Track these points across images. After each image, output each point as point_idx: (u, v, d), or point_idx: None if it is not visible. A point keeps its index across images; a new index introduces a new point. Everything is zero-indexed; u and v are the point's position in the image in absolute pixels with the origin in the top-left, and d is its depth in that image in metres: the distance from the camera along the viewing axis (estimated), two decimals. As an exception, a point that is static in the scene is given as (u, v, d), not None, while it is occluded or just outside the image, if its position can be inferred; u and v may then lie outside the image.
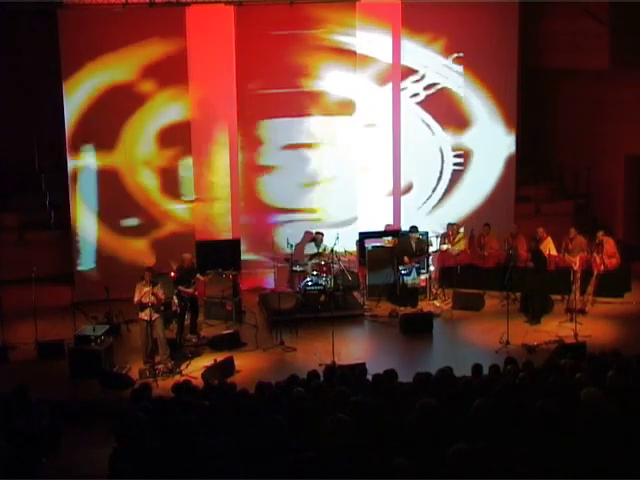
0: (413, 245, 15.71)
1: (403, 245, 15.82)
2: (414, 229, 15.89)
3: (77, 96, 15.87)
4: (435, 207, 17.23)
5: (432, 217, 17.13)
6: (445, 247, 16.11)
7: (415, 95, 16.89)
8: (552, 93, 19.16)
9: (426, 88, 16.90)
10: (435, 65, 16.83)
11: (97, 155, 16.08)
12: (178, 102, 16.17)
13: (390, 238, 16.33)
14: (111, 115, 15.98)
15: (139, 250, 16.32)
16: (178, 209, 16.51)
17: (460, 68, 16.87)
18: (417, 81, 16.85)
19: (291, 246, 15.44)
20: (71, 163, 16.01)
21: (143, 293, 12.68)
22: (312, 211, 16.76)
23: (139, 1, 15.84)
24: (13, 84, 17.35)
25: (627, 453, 6.42)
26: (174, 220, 16.50)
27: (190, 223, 16.51)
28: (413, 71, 16.81)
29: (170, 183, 16.44)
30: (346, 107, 16.67)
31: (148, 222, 16.41)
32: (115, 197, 16.26)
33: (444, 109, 17.02)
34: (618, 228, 17.97)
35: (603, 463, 6.28)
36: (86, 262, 16.25)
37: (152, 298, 12.62)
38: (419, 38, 16.69)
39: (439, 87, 16.93)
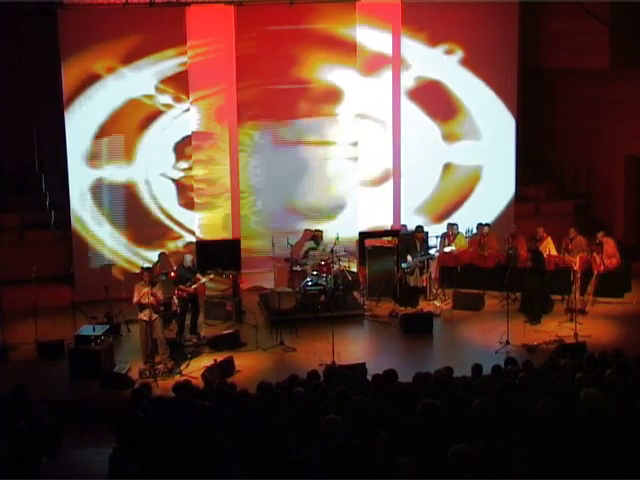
0: (418, 245, 15.70)
1: (407, 244, 15.81)
2: (420, 229, 15.90)
3: (77, 96, 15.86)
4: (435, 207, 17.21)
5: (432, 217, 17.13)
6: (449, 249, 16.10)
7: (415, 94, 16.88)
8: (552, 93, 19.16)
9: (426, 87, 16.89)
10: (435, 64, 16.81)
11: (92, 151, 16.09)
12: (178, 101, 16.17)
13: (390, 238, 16.33)
14: (113, 116, 15.98)
15: (143, 255, 16.32)
16: (178, 207, 16.52)
17: (460, 68, 16.86)
18: (416, 79, 16.85)
19: (291, 246, 15.47)
20: (71, 163, 16.03)
21: (142, 294, 12.68)
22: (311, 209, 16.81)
23: (139, 1, 15.84)
24: (13, 84, 17.35)
25: (627, 453, 6.42)
26: (173, 218, 16.50)
27: (194, 230, 16.53)
28: (413, 69, 16.79)
29: (172, 186, 16.47)
30: (347, 105, 16.65)
31: (148, 221, 16.41)
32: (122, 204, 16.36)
33: (444, 108, 17.02)
34: (618, 228, 17.98)
35: (603, 463, 6.28)
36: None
37: (151, 298, 12.62)
38: (419, 38, 16.68)
39: (439, 87, 16.92)
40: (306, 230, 16.40)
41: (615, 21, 16.53)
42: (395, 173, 17.10)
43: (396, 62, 16.77)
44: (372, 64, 16.72)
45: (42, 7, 15.89)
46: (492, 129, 17.18)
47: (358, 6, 16.35)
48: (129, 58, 15.88)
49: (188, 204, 16.53)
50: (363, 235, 16.64)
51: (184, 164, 16.45)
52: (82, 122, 15.90)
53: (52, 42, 15.79)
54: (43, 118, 17.50)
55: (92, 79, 15.83)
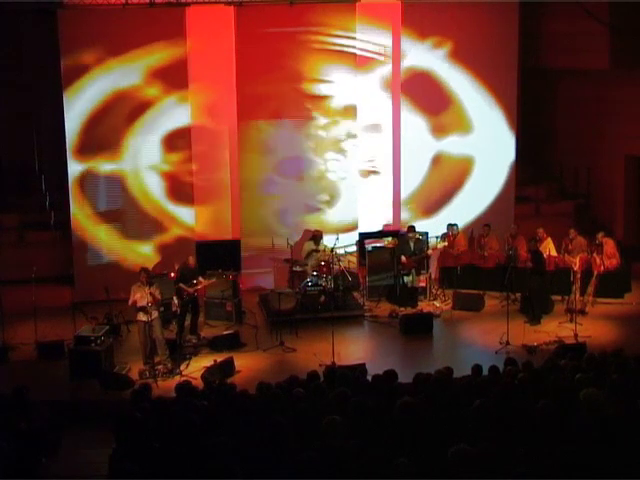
0: (411, 245, 15.72)
1: (401, 245, 15.85)
2: (412, 229, 15.92)
3: (77, 96, 15.89)
4: (435, 207, 17.21)
5: (432, 218, 17.13)
6: (441, 244, 16.13)
7: (415, 94, 16.88)
8: (552, 93, 19.16)
9: (426, 89, 16.89)
10: (435, 64, 16.82)
11: (97, 157, 16.10)
12: (178, 102, 16.18)
13: (390, 238, 16.34)
14: (111, 115, 15.99)
15: (141, 252, 16.35)
16: (180, 212, 16.51)
17: (460, 67, 16.86)
18: (416, 80, 16.85)
19: (291, 246, 15.47)
20: (72, 164, 16.04)
21: (138, 296, 12.66)
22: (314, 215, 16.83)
23: (139, 1, 15.85)
24: (13, 84, 17.35)
25: (627, 453, 6.42)
26: (177, 223, 16.49)
27: (193, 227, 16.51)
28: (412, 70, 16.80)
29: (172, 186, 16.44)
30: (346, 107, 16.66)
31: (150, 225, 16.41)
32: (116, 199, 16.33)
33: (443, 109, 17.02)
34: (618, 228, 17.98)
35: (603, 463, 6.28)
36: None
37: (150, 298, 12.62)
38: (419, 38, 16.68)
39: (439, 86, 16.91)
40: (306, 230, 16.41)
41: (615, 21, 16.54)
42: (395, 172, 17.11)
43: (396, 62, 16.78)
44: (371, 64, 16.73)
45: (42, 7, 15.89)
46: (491, 129, 17.16)
47: (358, 6, 16.36)
48: (129, 58, 15.87)
49: (182, 198, 16.49)
50: (363, 236, 16.64)
51: (178, 158, 16.38)
52: (81, 121, 15.89)
53: (52, 42, 15.79)
54: (43, 118, 17.49)
55: (92, 79, 15.82)
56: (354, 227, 16.83)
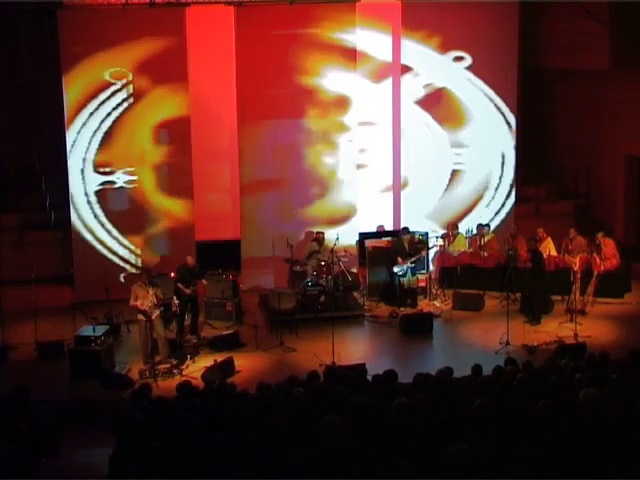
0: (406, 246, 15.72)
1: (396, 246, 15.85)
2: (406, 230, 15.91)
3: (77, 96, 15.89)
4: (435, 207, 17.22)
5: (432, 217, 17.14)
6: (439, 242, 16.12)
7: (415, 95, 16.90)
8: (552, 93, 19.16)
9: (426, 88, 16.90)
10: (435, 65, 16.82)
11: (97, 155, 16.12)
12: (178, 102, 16.18)
13: (390, 238, 16.34)
14: (109, 112, 16.03)
15: (140, 249, 16.38)
16: (177, 207, 16.52)
17: (460, 68, 16.87)
18: (417, 81, 16.86)
19: (291, 246, 15.48)
20: (71, 163, 16.06)
21: (141, 298, 12.65)
22: (312, 210, 16.82)
23: (139, 1, 15.85)
24: (13, 84, 17.36)
25: (627, 453, 6.42)
26: (172, 218, 16.51)
27: (188, 222, 16.51)
28: (413, 71, 16.82)
29: (170, 181, 16.45)
30: (346, 107, 16.68)
31: (148, 222, 16.44)
32: (115, 194, 16.36)
33: (444, 109, 17.02)
34: (618, 228, 17.98)
35: (603, 463, 6.28)
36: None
37: (153, 299, 12.62)
38: (419, 38, 16.69)
39: (439, 87, 16.93)
40: (307, 232, 16.42)
41: (615, 21, 16.53)
42: (395, 177, 17.10)
43: (396, 64, 16.79)
44: (372, 66, 16.74)
45: (42, 7, 15.90)
46: (493, 130, 17.16)
47: (358, 6, 16.37)
48: (128, 57, 15.86)
49: (182, 193, 16.46)
50: (363, 235, 16.64)
51: (178, 154, 16.36)
52: (80, 117, 15.91)
53: (52, 42, 15.79)
54: (43, 118, 17.49)
55: (91, 77, 15.83)
56: (352, 214, 16.82)
